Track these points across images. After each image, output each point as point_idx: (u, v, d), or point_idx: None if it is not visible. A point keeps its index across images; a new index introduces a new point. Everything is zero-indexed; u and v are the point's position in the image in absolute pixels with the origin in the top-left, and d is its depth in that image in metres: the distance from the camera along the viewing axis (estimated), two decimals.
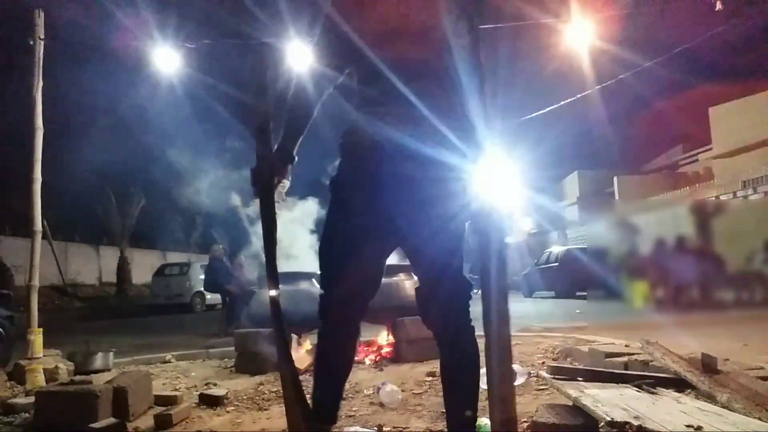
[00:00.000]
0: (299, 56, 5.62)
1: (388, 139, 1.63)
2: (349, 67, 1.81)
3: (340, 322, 1.79)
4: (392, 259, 5.56)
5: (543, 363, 3.88)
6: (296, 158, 1.86)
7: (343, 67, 1.82)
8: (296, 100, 1.82)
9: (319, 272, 1.86)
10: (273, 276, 1.83)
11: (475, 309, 1.81)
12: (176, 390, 3.62)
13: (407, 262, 5.27)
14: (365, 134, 1.69)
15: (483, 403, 2.88)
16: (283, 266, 4.68)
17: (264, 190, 1.82)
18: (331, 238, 1.77)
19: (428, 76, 1.70)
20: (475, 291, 1.84)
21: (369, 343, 4.69)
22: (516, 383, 3.19)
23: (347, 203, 1.74)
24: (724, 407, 2.18)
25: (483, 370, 3.34)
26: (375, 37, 1.70)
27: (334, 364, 1.83)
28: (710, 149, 17.64)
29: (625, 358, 3.17)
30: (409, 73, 1.66)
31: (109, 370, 4.58)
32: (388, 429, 2.50)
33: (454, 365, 1.86)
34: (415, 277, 4.87)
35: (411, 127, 1.64)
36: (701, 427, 1.82)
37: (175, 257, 26.40)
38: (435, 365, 3.91)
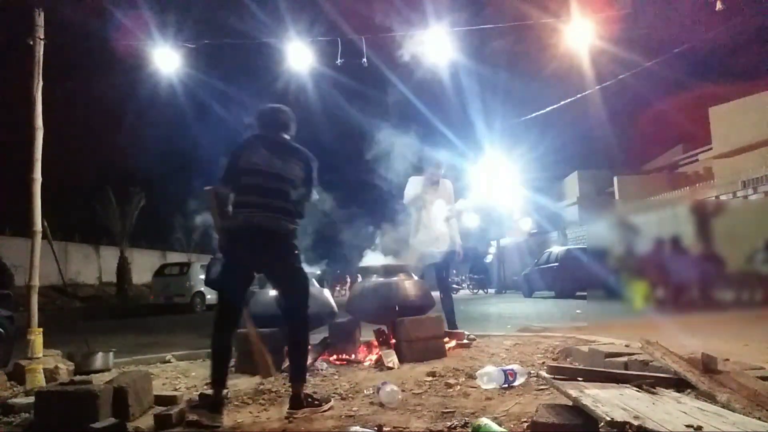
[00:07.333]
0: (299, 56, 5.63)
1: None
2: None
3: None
4: (392, 260, 5.55)
5: (543, 363, 3.88)
6: None
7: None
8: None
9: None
10: None
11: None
12: (176, 390, 3.63)
13: (407, 263, 5.26)
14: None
15: (483, 403, 2.89)
16: None
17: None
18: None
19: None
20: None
21: (369, 344, 4.68)
22: (516, 383, 3.19)
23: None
24: (724, 407, 2.18)
25: (487, 369, 3.32)
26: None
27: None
28: (710, 149, 17.64)
29: (625, 358, 3.16)
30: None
31: (109, 370, 4.58)
32: (388, 429, 2.50)
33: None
34: (415, 277, 4.89)
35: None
36: (701, 427, 1.81)
37: (175, 257, 26.41)
38: (435, 365, 3.92)
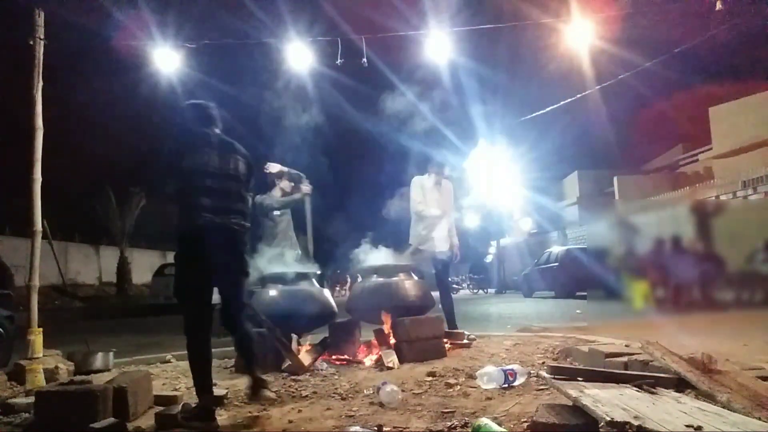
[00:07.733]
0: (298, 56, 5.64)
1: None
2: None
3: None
4: (392, 260, 5.56)
5: (543, 363, 3.88)
6: None
7: None
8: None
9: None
10: None
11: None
12: (176, 390, 3.63)
13: (407, 263, 5.29)
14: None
15: (483, 403, 2.89)
16: (282, 266, 4.69)
17: None
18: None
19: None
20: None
21: (369, 343, 4.68)
22: (516, 383, 3.19)
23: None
24: (724, 407, 2.18)
25: (487, 369, 3.32)
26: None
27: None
28: (710, 149, 17.65)
29: (625, 358, 3.17)
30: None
31: (109, 370, 4.58)
32: (388, 429, 2.50)
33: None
34: (415, 277, 4.91)
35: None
36: (701, 427, 1.81)
37: None
38: (435, 365, 3.93)
